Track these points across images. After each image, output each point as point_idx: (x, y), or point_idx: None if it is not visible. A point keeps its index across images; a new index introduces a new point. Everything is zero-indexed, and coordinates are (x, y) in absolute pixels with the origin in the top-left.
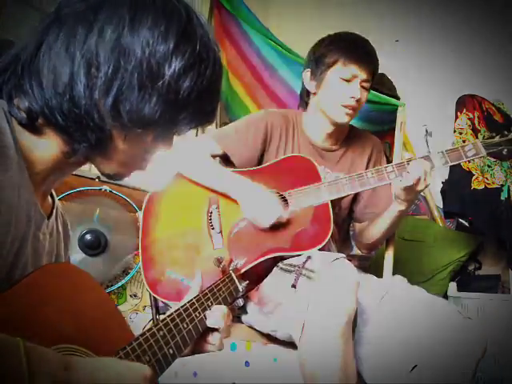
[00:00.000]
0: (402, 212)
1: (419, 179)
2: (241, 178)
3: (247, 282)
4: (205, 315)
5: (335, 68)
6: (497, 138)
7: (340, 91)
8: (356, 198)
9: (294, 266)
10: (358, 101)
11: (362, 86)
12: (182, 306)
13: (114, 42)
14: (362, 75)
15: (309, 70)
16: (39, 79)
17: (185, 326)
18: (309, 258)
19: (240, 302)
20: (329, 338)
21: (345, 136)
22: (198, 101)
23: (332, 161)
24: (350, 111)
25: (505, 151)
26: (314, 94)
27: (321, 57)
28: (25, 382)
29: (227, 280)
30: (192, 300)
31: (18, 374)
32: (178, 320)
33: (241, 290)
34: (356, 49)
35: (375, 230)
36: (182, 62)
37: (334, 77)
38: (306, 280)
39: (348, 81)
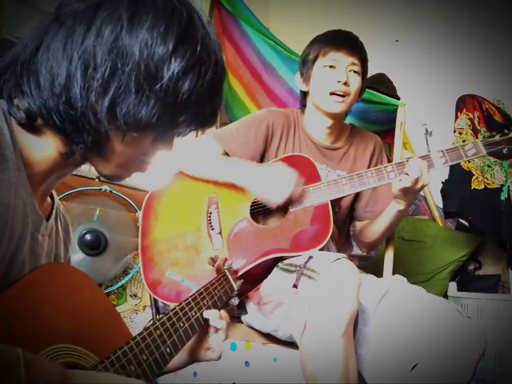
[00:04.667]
0: (401, 212)
1: (417, 179)
2: (246, 163)
3: (242, 280)
4: (203, 316)
5: (318, 61)
6: (497, 137)
7: (326, 79)
8: (357, 196)
9: (295, 265)
10: (346, 84)
11: (353, 71)
12: (178, 305)
13: (111, 43)
14: (346, 59)
15: (298, 72)
16: (37, 80)
17: (181, 324)
18: (310, 257)
19: (235, 300)
20: (330, 338)
21: (347, 135)
22: (198, 103)
23: (334, 159)
24: (340, 98)
25: (505, 150)
26: (308, 93)
27: (305, 57)
28: None
29: (222, 279)
30: (188, 299)
31: None
32: (174, 319)
33: (236, 289)
34: (334, 38)
35: (375, 228)
36: (181, 64)
37: (319, 68)
38: (308, 280)
39: (333, 67)
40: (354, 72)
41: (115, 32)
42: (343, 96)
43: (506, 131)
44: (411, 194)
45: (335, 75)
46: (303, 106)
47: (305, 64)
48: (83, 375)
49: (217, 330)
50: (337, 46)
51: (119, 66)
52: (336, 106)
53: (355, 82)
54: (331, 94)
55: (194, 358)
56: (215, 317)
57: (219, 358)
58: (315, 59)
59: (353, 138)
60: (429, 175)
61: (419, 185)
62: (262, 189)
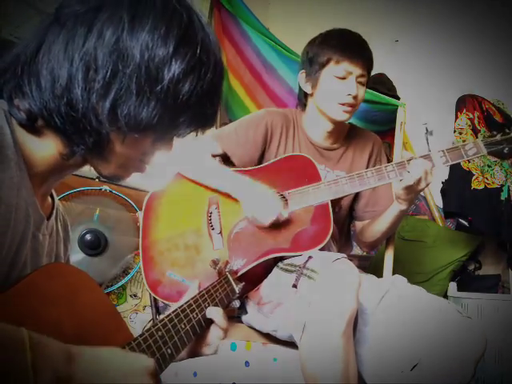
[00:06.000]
0: (402, 211)
1: (420, 179)
2: (241, 177)
3: (243, 283)
4: (203, 315)
5: (329, 67)
6: (498, 137)
7: (336, 89)
8: (357, 196)
9: (295, 265)
10: (355, 97)
11: (359, 82)
12: (179, 307)
13: (112, 45)
14: (357, 71)
15: (303, 71)
16: (38, 81)
17: (183, 326)
18: (310, 257)
19: (236, 303)
20: (330, 338)
21: (345, 134)
22: (198, 104)
23: (332, 160)
24: (349, 108)
25: (506, 150)
26: (311, 94)
27: (314, 57)
28: (28, 376)
29: (223, 281)
30: (189, 301)
31: (22, 369)
32: (175, 321)
33: (237, 292)
34: (348, 46)
35: (376, 228)
36: (181, 65)
37: (329, 76)
38: (307, 280)
39: (343, 78)
40: (361, 83)
41: (116, 34)
42: (351, 106)
43: (507, 131)
44: (414, 193)
45: (345, 88)
46: (303, 105)
47: (312, 65)
48: (88, 351)
49: (218, 328)
50: (350, 58)
51: (120, 67)
52: (344, 115)
53: (361, 93)
54: (340, 104)
55: (191, 353)
56: (221, 316)
57: (216, 352)
58: (325, 64)
59: (351, 138)
60: (432, 175)
61: (422, 185)
62: (250, 208)
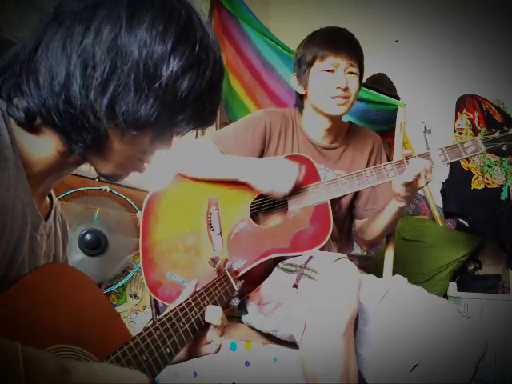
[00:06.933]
0: (401, 209)
1: (419, 175)
2: (244, 158)
3: (242, 281)
4: (202, 314)
5: (315, 64)
6: (496, 134)
7: (325, 84)
8: (356, 194)
9: (296, 265)
10: (346, 89)
11: (351, 73)
12: (178, 306)
13: (110, 42)
14: (344, 62)
15: (294, 73)
16: (37, 79)
17: (181, 325)
18: (310, 257)
19: (235, 301)
20: (330, 338)
21: (344, 133)
22: (197, 102)
23: (332, 159)
24: (342, 101)
25: (504, 147)
26: (305, 95)
27: (301, 58)
28: None
29: (223, 279)
30: (188, 299)
31: (15, 382)
32: (174, 319)
33: (236, 290)
34: (330, 40)
35: (375, 227)
36: (180, 63)
37: (316, 72)
38: (308, 280)
39: (331, 71)
40: (352, 73)
41: (114, 31)
42: (345, 98)
43: (505, 128)
44: (413, 190)
45: (334, 81)
46: (300, 106)
47: (301, 66)
48: (82, 367)
49: (217, 326)
50: (334, 50)
51: (118, 64)
52: (338, 109)
53: (354, 84)
54: (332, 98)
55: (192, 354)
56: (215, 314)
57: (217, 351)
58: (312, 62)
59: (351, 137)
60: (431, 173)
61: (422, 182)
62: (265, 181)
